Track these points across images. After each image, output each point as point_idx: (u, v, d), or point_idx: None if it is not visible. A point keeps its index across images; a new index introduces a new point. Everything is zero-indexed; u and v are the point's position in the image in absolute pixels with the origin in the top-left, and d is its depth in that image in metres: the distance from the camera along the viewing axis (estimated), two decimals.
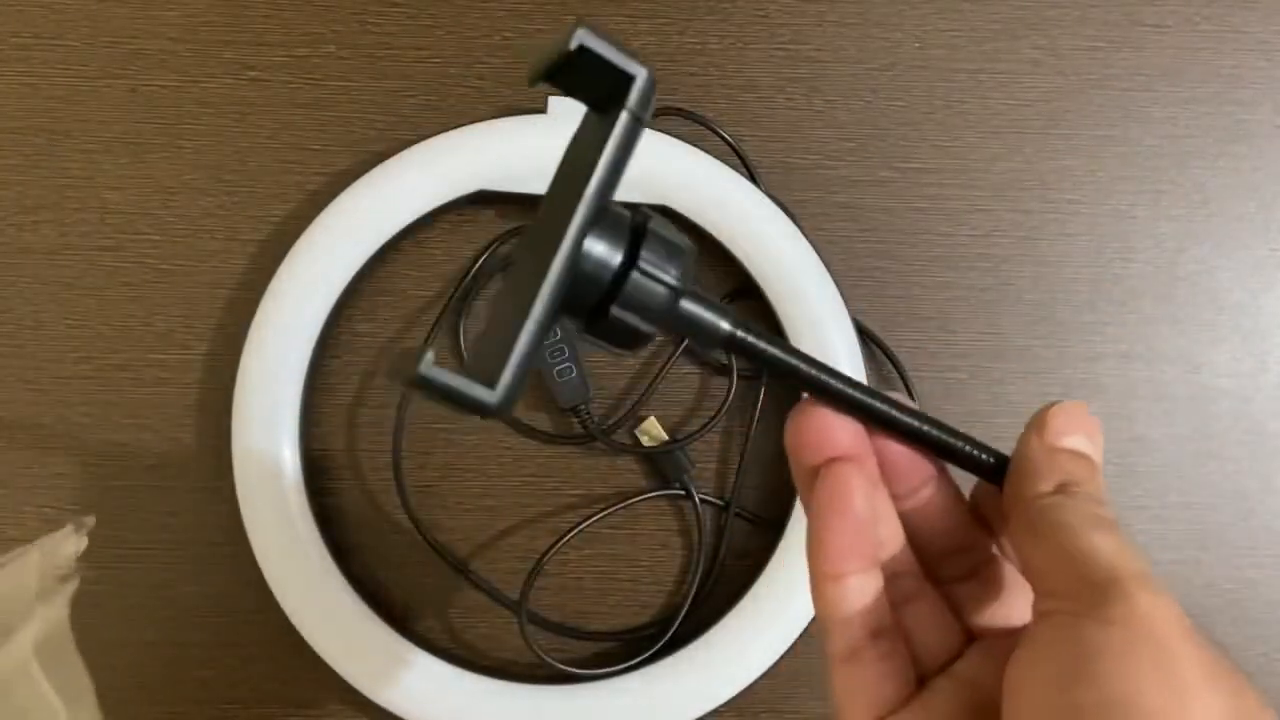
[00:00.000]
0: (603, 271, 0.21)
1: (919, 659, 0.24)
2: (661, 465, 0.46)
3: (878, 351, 0.47)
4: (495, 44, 0.47)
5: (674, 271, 0.21)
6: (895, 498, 0.25)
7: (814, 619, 0.43)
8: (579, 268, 0.20)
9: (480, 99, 0.47)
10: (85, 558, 0.45)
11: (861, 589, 0.23)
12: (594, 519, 0.45)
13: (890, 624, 0.24)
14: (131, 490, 0.45)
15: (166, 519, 0.45)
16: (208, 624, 0.45)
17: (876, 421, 0.23)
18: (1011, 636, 0.22)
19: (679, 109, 0.46)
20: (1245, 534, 0.47)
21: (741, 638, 0.43)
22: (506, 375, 0.19)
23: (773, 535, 0.44)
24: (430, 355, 0.18)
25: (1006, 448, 0.24)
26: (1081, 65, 0.48)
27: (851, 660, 0.23)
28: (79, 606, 0.45)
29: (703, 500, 0.46)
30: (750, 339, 0.23)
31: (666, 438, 0.46)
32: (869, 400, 0.23)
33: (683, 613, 0.44)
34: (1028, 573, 0.22)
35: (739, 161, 0.46)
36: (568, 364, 0.45)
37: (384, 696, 0.42)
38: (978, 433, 0.24)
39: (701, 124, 0.46)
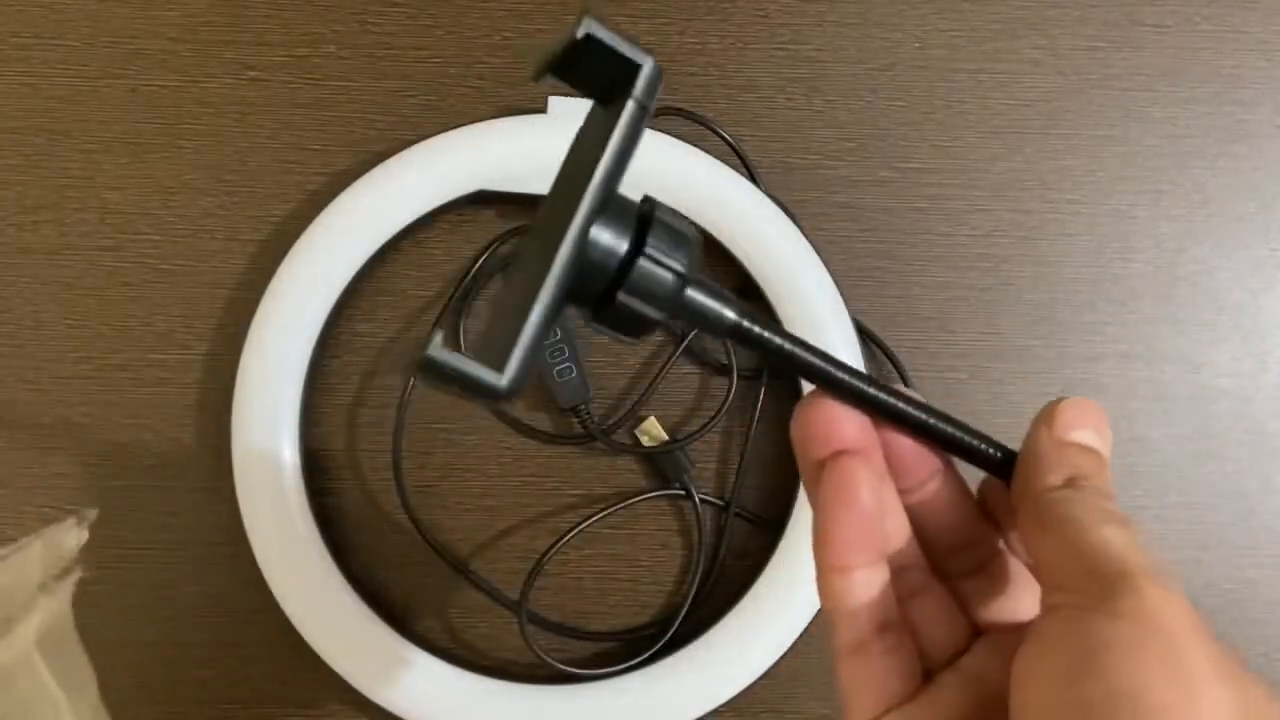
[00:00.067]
0: (609, 258, 0.21)
1: (925, 653, 0.24)
2: (661, 465, 0.46)
3: (878, 351, 0.47)
4: (495, 44, 0.47)
5: (681, 258, 0.21)
6: (902, 491, 0.25)
7: (814, 619, 0.43)
8: (586, 255, 0.20)
9: (480, 99, 0.47)
10: (85, 557, 0.45)
11: (868, 582, 0.23)
12: (594, 519, 0.45)
13: (896, 618, 0.24)
14: (131, 490, 0.45)
15: (166, 519, 0.45)
16: (208, 624, 0.45)
17: (883, 414, 0.23)
18: (1018, 631, 0.22)
19: (679, 109, 0.46)
20: (1245, 534, 0.47)
21: (741, 638, 0.43)
22: (515, 359, 0.19)
23: (773, 535, 0.44)
24: (439, 338, 0.18)
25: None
26: (1081, 65, 0.48)
27: (858, 654, 0.23)
28: (79, 606, 0.45)
29: (703, 500, 0.46)
30: (756, 329, 0.23)
31: (666, 438, 0.46)
32: (876, 393, 0.23)
33: (683, 613, 0.44)
34: (1036, 566, 0.22)
35: (739, 161, 0.46)
36: (568, 364, 0.45)
37: (384, 696, 0.42)
38: None
39: (701, 124, 0.46)
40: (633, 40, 0.20)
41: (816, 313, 0.44)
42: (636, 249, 0.21)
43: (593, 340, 0.46)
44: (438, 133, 0.44)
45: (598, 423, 0.46)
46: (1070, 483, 0.22)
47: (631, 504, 0.45)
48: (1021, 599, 0.25)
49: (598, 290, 0.21)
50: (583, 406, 0.45)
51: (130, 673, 0.45)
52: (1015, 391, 0.47)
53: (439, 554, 0.45)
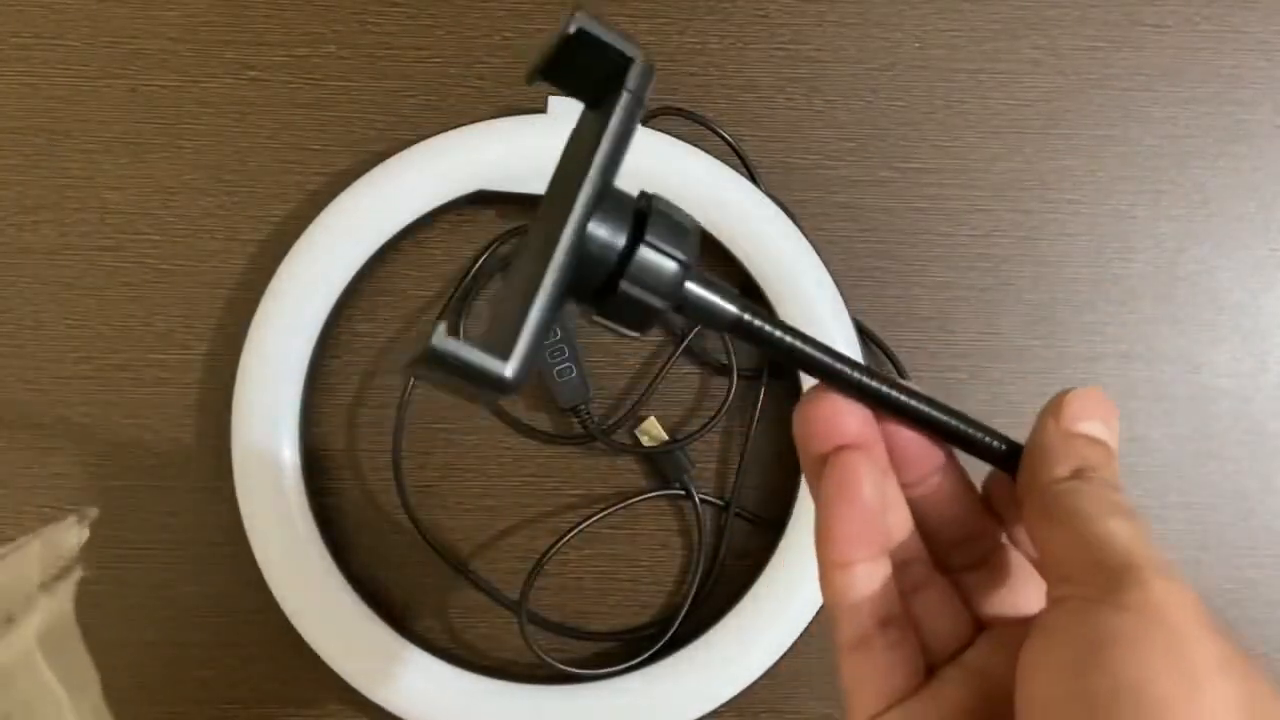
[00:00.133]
0: (610, 249, 0.21)
1: (928, 648, 0.24)
2: (661, 465, 0.46)
3: (878, 351, 0.47)
4: (495, 44, 0.47)
5: (681, 246, 0.21)
6: (905, 485, 0.25)
7: (814, 619, 0.43)
8: (586, 245, 0.20)
9: (480, 99, 0.47)
10: (85, 557, 0.45)
11: (870, 577, 0.23)
12: (594, 519, 0.45)
13: (899, 612, 0.23)
14: (131, 490, 0.45)
15: (166, 519, 0.45)
16: (208, 624, 0.45)
17: (886, 408, 0.23)
18: (1022, 625, 0.22)
19: (679, 109, 0.46)
20: (1245, 534, 0.47)
21: (741, 638, 0.43)
22: (519, 349, 0.19)
23: (773, 535, 0.44)
24: (443, 328, 0.18)
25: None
26: (1081, 65, 0.48)
27: (860, 649, 0.23)
28: (79, 606, 0.45)
29: (703, 500, 0.46)
30: (758, 323, 0.22)
31: (666, 438, 0.46)
32: (878, 386, 0.23)
33: (683, 613, 0.44)
34: (1042, 558, 0.22)
35: (739, 161, 0.46)
36: (568, 364, 0.45)
37: (384, 696, 0.42)
38: None
39: (701, 124, 0.46)
40: (623, 34, 0.20)
41: (816, 313, 0.44)
42: (636, 238, 0.21)
43: (593, 340, 0.46)
44: (438, 133, 0.44)
45: (598, 423, 0.46)
46: (1077, 474, 0.22)
47: (631, 504, 0.45)
48: (1025, 593, 0.25)
49: (599, 281, 0.21)
50: (583, 406, 0.45)
51: (130, 673, 0.45)
52: (1015, 391, 0.47)
53: (439, 554, 0.45)
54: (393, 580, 0.46)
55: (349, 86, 0.47)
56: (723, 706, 0.43)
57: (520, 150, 0.44)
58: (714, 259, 0.46)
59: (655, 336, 0.46)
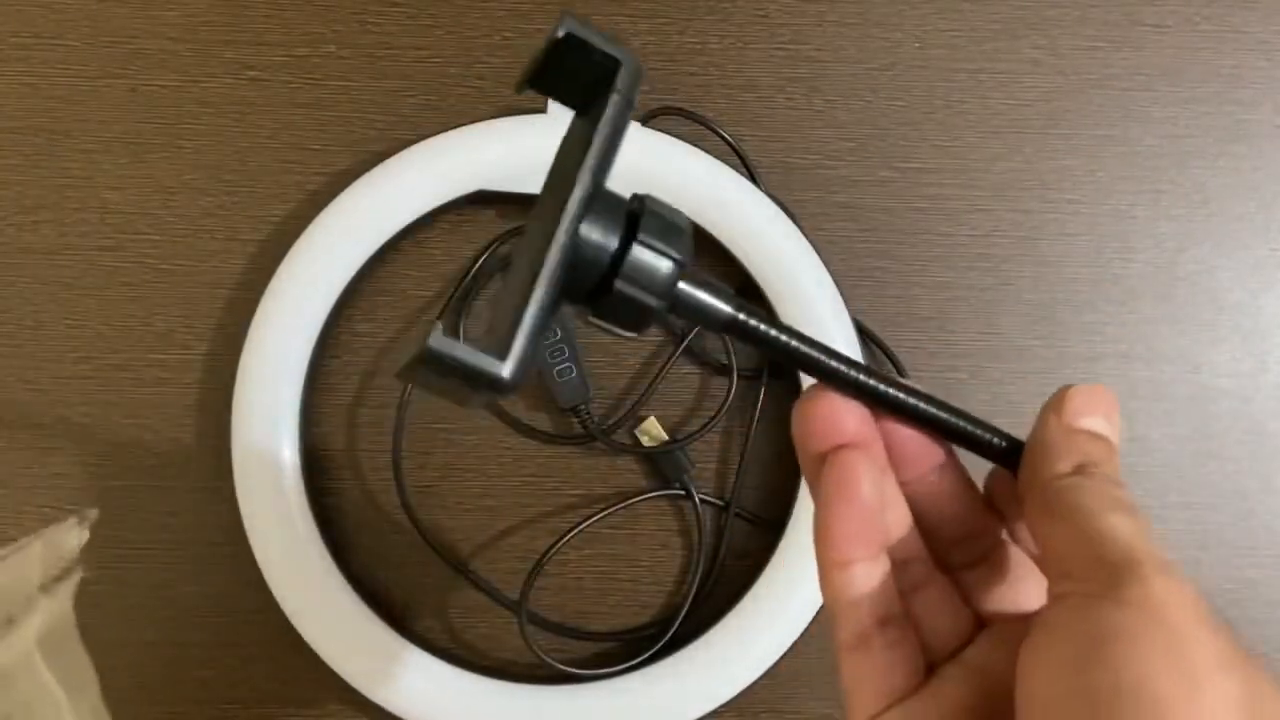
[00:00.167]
0: (603, 249, 0.21)
1: (929, 646, 0.24)
2: (661, 465, 0.46)
3: (878, 351, 0.47)
4: (495, 44, 0.47)
5: (674, 244, 0.21)
6: (904, 483, 0.24)
7: (815, 618, 0.43)
8: (580, 245, 0.20)
9: (480, 99, 0.47)
10: (86, 557, 0.45)
11: (869, 576, 0.23)
12: (594, 519, 0.45)
13: (898, 611, 0.23)
14: (131, 490, 0.45)
15: (166, 519, 0.45)
16: (208, 624, 0.45)
17: (884, 406, 0.23)
18: (1022, 622, 0.22)
19: (679, 109, 0.46)
20: (1245, 534, 0.47)
21: (741, 638, 0.43)
22: (516, 349, 0.19)
23: (773, 535, 0.44)
24: (440, 328, 0.18)
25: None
26: (1081, 65, 0.48)
27: (859, 648, 0.23)
28: (79, 606, 0.45)
29: (703, 500, 0.46)
30: (753, 322, 0.22)
31: (666, 438, 0.46)
32: (876, 384, 0.23)
33: (683, 613, 0.44)
34: (1043, 554, 0.22)
35: (739, 161, 0.46)
36: (568, 364, 0.45)
37: (384, 696, 0.42)
38: None
39: (701, 124, 0.46)
40: (611, 36, 0.21)
41: (816, 313, 0.44)
42: (630, 237, 0.21)
43: (593, 340, 0.46)
44: (438, 133, 0.44)
45: (598, 423, 0.46)
46: (1079, 470, 0.22)
47: (631, 504, 0.45)
48: (1025, 590, 0.25)
49: (594, 282, 0.21)
50: (583, 406, 0.45)
51: (130, 673, 0.45)
52: (1015, 391, 0.47)
53: (439, 554, 0.45)
54: (393, 580, 0.46)
55: (349, 86, 0.47)
56: (723, 706, 0.43)
57: (520, 150, 0.44)
58: (714, 259, 0.46)
59: (655, 336, 0.46)
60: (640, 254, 0.21)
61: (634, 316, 0.21)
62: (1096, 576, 0.20)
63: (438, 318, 0.46)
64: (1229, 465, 0.47)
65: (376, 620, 0.43)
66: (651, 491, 0.46)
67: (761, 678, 0.43)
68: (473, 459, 0.46)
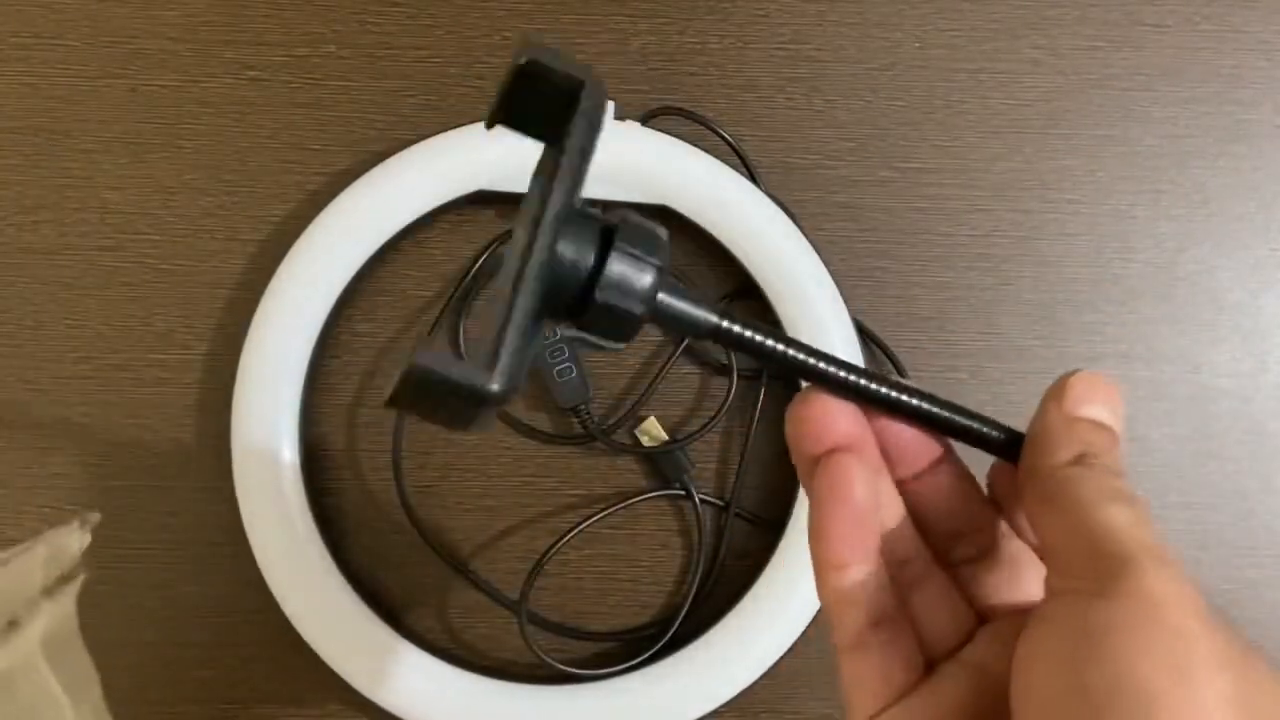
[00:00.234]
0: (580, 265, 0.21)
1: (928, 644, 0.24)
2: (661, 465, 0.46)
3: (878, 351, 0.47)
4: (495, 44, 0.47)
5: (651, 252, 0.21)
6: (902, 479, 0.24)
7: (815, 618, 0.43)
8: (557, 264, 0.20)
9: (480, 99, 0.47)
10: (86, 558, 0.45)
11: (864, 577, 0.23)
12: (594, 519, 0.45)
13: (895, 611, 0.23)
14: (131, 490, 0.45)
15: (166, 519, 0.45)
16: (208, 624, 0.45)
17: (877, 405, 0.23)
18: (1022, 617, 0.22)
19: (679, 109, 0.46)
20: (1245, 534, 0.47)
21: (741, 638, 0.43)
22: (503, 360, 0.19)
23: (773, 535, 0.44)
24: (425, 342, 0.18)
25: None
26: (1081, 65, 0.48)
27: (857, 648, 0.23)
28: (79, 606, 0.45)
29: (703, 500, 0.46)
30: (738, 329, 0.22)
31: (666, 438, 0.46)
32: (867, 384, 0.23)
33: (683, 613, 0.44)
34: (1042, 546, 0.22)
35: (739, 161, 0.46)
36: (568, 364, 0.45)
37: (384, 696, 0.42)
38: None
39: (701, 124, 0.46)
40: (572, 59, 0.21)
41: (816, 313, 0.44)
42: (607, 247, 0.21)
43: None
44: (438, 133, 0.44)
45: (598, 423, 0.46)
46: (1079, 460, 0.22)
47: (631, 504, 0.45)
48: (1028, 583, 0.24)
49: (575, 294, 0.21)
50: (583, 406, 0.45)
51: (130, 673, 0.45)
52: (1015, 391, 0.47)
53: (439, 554, 0.45)
54: (393, 580, 0.46)
55: (349, 86, 0.47)
56: (723, 706, 0.43)
57: (520, 150, 0.43)
58: (714, 259, 0.46)
59: (655, 336, 0.46)
60: (618, 263, 0.21)
61: (618, 326, 0.21)
62: (1092, 571, 0.19)
63: (438, 318, 0.46)
64: (1229, 465, 0.47)
65: (376, 620, 0.43)
66: (651, 491, 0.46)
67: (761, 678, 0.43)
68: (473, 459, 0.46)
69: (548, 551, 0.44)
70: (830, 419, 0.23)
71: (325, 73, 0.47)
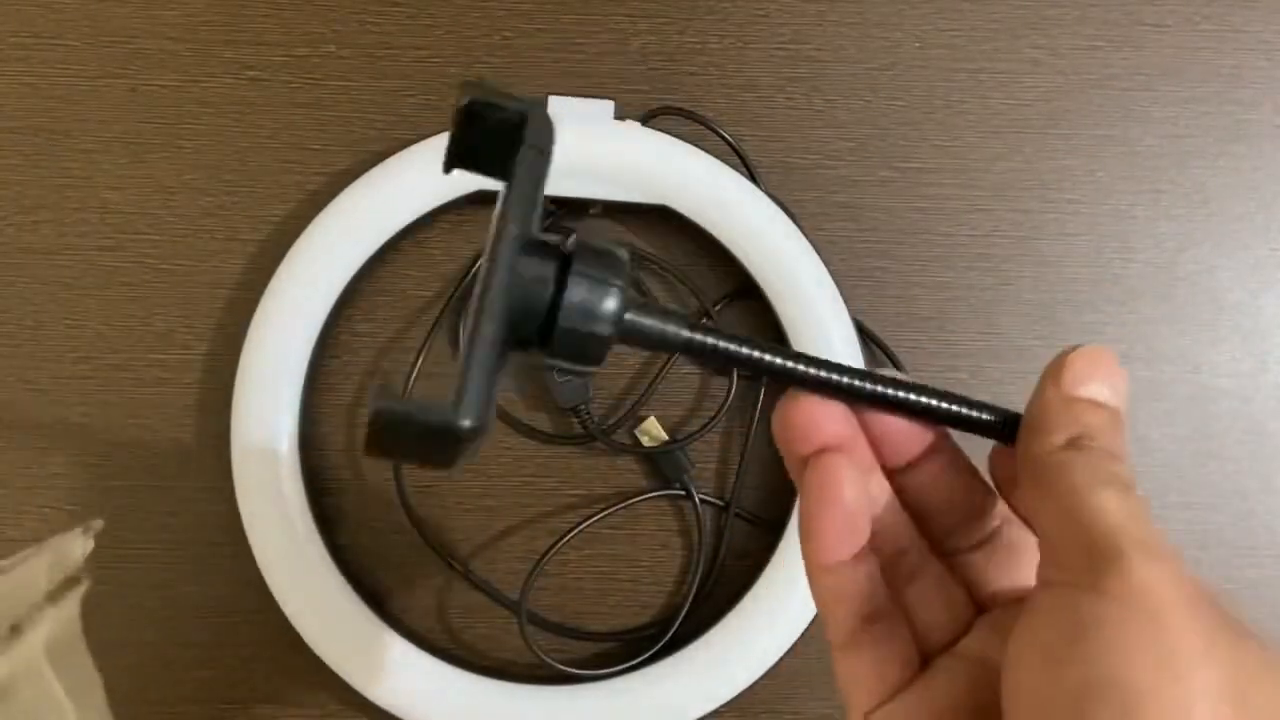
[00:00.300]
0: (539, 296, 0.21)
1: (925, 637, 0.24)
2: (661, 465, 0.46)
3: (878, 351, 0.47)
4: (495, 44, 0.47)
5: (610, 271, 0.21)
6: (896, 471, 0.24)
7: (815, 618, 0.43)
8: (519, 295, 0.21)
9: None
10: (89, 562, 0.45)
11: (855, 576, 0.23)
12: (594, 519, 0.45)
13: (888, 607, 0.23)
14: (131, 490, 0.45)
15: (166, 519, 0.45)
16: (208, 624, 0.45)
17: (863, 402, 0.23)
18: (1021, 606, 0.21)
19: (679, 109, 0.46)
20: (1245, 534, 0.47)
21: (741, 638, 0.43)
22: (470, 394, 0.19)
23: (773, 535, 0.44)
24: (380, 388, 0.19)
25: None
26: (1081, 65, 0.48)
27: (850, 647, 0.23)
28: (80, 608, 0.45)
29: (703, 500, 0.46)
30: (710, 340, 0.22)
31: (666, 438, 0.46)
32: (851, 382, 0.22)
33: (683, 613, 0.44)
34: (1036, 534, 0.21)
35: (739, 161, 0.46)
36: None
37: (383, 697, 0.42)
38: None
39: (701, 124, 0.46)
40: (511, 94, 0.22)
41: (816, 313, 0.44)
42: (565, 273, 0.21)
43: None
44: (438, 133, 0.44)
45: (598, 423, 0.46)
46: (1073, 443, 0.21)
47: (631, 504, 0.45)
48: (1028, 570, 0.24)
49: (540, 323, 0.21)
50: (583, 406, 0.45)
51: (130, 673, 0.45)
52: (1015, 391, 0.47)
53: (439, 554, 0.45)
54: (393, 580, 0.46)
55: (349, 86, 0.47)
56: (723, 706, 0.43)
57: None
58: (714, 259, 0.46)
59: None
60: (577, 288, 0.21)
61: (585, 351, 0.21)
62: (1080, 563, 0.19)
63: (437, 319, 0.46)
64: (1229, 465, 0.47)
65: (376, 620, 0.43)
66: (651, 491, 0.46)
67: (761, 678, 0.43)
68: (473, 459, 0.46)
69: (548, 551, 0.44)
70: (816, 420, 0.23)
71: (325, 73, 0.47)
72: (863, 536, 0.23)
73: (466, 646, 0.46)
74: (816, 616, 0.43)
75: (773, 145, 0.47)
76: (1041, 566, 0.21)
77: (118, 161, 0.46)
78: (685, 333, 0.22)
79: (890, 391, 0.23)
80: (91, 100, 0.46)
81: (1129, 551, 0.18)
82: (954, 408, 0.23)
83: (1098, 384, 0.22)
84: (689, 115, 0.46)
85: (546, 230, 0.44)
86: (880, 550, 0.24)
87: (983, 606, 0.24)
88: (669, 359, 0.45)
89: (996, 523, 0.25)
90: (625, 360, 0.46)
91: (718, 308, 0.46)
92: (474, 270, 0.46)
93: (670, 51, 0.47)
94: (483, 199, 0.45)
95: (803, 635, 0.43)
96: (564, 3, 0.47)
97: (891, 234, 0.47)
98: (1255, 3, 0.49)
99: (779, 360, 0.22)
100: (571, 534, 0.45)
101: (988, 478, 0.25)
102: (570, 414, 0.46)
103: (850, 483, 0.22)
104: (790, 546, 0.43)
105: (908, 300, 0.47)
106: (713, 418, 0.45)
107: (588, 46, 0.47)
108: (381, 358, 0.46)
